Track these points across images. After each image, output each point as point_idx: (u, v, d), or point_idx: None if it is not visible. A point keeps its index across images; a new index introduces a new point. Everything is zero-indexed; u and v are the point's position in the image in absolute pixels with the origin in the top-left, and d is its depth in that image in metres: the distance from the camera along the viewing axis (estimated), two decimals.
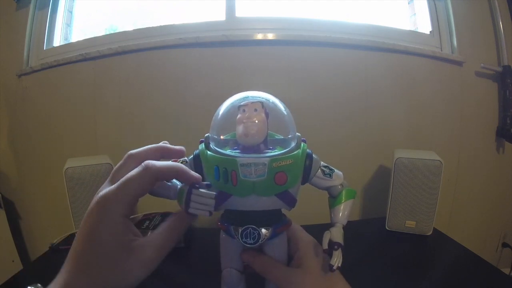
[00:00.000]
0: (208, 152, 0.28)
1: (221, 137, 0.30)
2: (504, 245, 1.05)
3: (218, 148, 0.29)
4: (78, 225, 0.40)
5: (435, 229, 0.75)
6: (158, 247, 0.25)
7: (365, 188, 0.96)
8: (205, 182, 0.26)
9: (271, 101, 0.30)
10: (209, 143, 0.29)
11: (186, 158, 0.30)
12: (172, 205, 0.27)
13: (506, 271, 0.95)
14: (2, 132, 1.01)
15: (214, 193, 0.25)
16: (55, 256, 0.67)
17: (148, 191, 0.25)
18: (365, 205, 0.96)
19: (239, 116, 0.28)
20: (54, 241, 0.71)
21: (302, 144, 0.29)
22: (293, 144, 0.29)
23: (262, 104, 0.28)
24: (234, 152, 0.28)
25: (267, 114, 0.28)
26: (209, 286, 0.37)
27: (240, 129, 0.28)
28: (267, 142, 0.30)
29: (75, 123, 0.94)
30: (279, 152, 0.28)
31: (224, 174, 0.27)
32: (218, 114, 0.30)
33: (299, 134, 0.30)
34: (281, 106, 0.30)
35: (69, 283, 0.22)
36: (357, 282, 0.31)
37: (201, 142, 0.30)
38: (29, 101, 0.97)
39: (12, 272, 0.60)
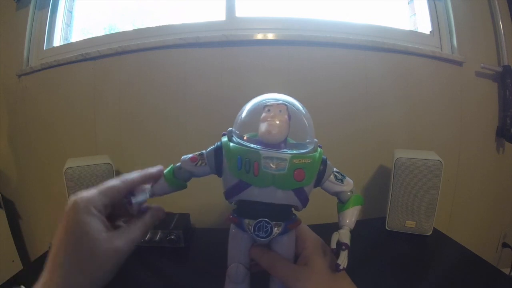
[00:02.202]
0: (231, 144, 0.29)
1: (244, 137, 0.31)
2: (504, 245, 1.05)
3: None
4: None
5: (435, 229, 0.75)
6: (128, 239, 0.28)
7: (365, 188, 0.96)
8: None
9: (295, 105, 0.32)
10: (232, 136, 0.31)
11: (203, 151, 0.32)
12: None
13: (506, 271, 0.95)
14: (2, 132, 1.01)
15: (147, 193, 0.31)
16: None
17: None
18: (365, 205, 0.94)
19: (263, 115, 0.29)
20: None
21: (319, 149, 0.31)
22: (310, 147, 0.31)
23: (287, 107, 0.30)
24: (257, 146, 0.29)
25: (289, 117, 0.30)
26: (208, 286, 0.37)
27: (263, 126, 0.29)
28: (286, 143, 0.31)
29: (75, 123, 0.94)
30: (299, 151, 0.29)
31: (246, 164, 0.28)
32: (243, 111, 0.32)
33: (316, 140, 0.32)
34: (304, 112, 0.32)
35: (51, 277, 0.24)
36: (357, 282, 0.31)
37: (224, 135, 0.31)
38: (29, 101, 0.97)
39: (12, 272, 0.60)
